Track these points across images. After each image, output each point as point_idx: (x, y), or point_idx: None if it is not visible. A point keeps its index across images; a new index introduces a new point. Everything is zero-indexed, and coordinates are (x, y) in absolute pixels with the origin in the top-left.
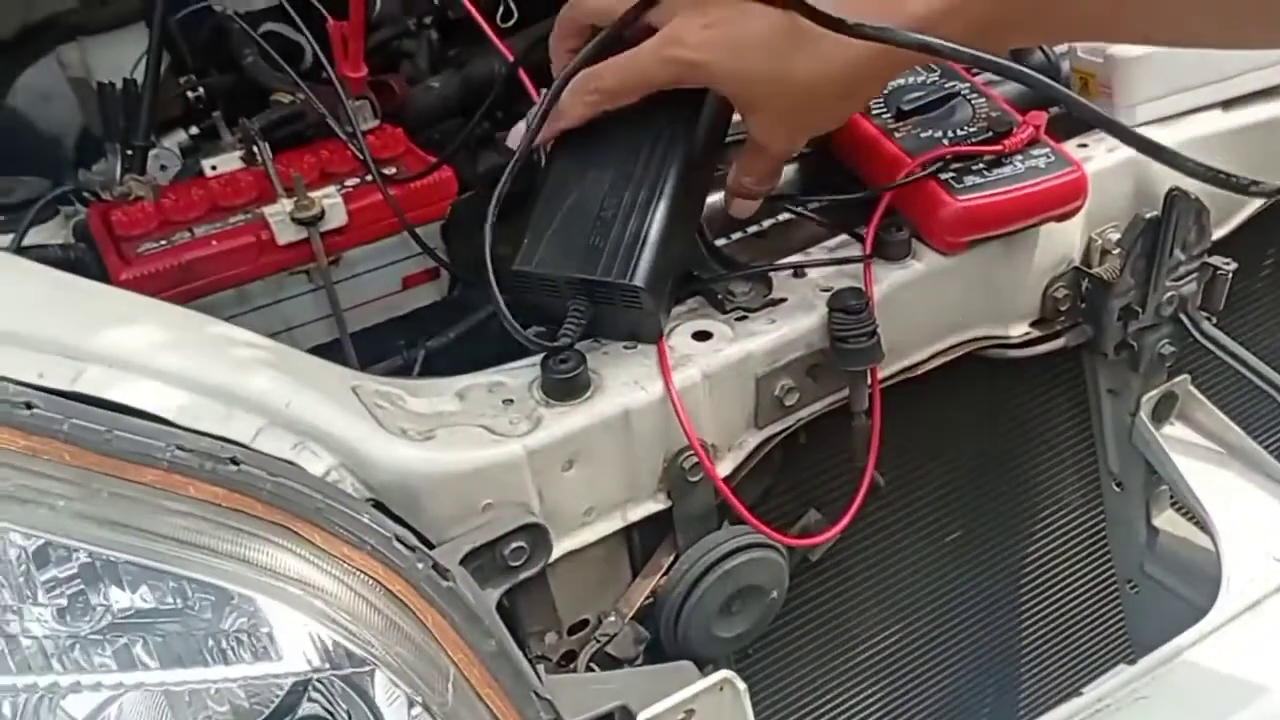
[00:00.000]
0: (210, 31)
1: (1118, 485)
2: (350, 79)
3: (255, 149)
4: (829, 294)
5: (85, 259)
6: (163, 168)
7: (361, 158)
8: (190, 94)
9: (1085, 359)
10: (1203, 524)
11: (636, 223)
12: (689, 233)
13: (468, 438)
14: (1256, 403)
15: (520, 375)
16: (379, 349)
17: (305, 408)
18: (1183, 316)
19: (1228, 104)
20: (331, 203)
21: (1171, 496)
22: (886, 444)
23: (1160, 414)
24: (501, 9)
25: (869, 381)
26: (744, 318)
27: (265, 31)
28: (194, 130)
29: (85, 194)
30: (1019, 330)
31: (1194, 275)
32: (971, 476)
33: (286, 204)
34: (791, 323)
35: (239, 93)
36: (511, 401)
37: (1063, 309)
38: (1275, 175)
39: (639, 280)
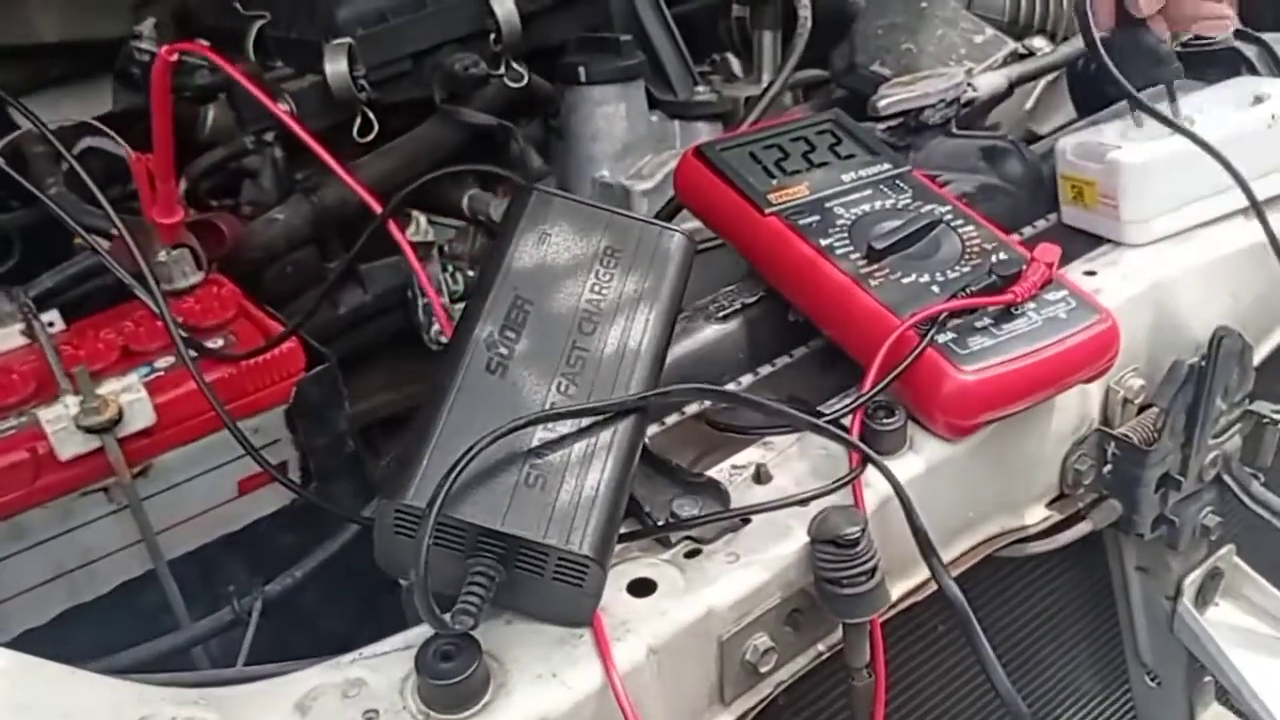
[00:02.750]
0: (8, 152)
1: (1152, 679)
2: (162, 225)
3: (32, 325)
4: (809, 511)
5: None
6: None
7: (171, 334)
8: None
9: (1107, 532)
10: None
11: (587, 473)
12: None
13: None
14: None
15: (391, 668)
16: (212, 575)
17: None
18: (1226, 478)
19: (1250, 211)
20: (132, 398)
21: (1219, 690)
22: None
23: (1205, 595)
24: (359, 121)
25: (870, 630)
26: (696, 552)
27: (85, 150)
28: None
29: None
30: (1036, 515)
31: (1237, 427)
32: (977, 685)
33: (72, 403)
34: (761, 558)
35: (40, 232)
36: (376, 715)
37: (1085, 481)
38: None
39: (589, 549)
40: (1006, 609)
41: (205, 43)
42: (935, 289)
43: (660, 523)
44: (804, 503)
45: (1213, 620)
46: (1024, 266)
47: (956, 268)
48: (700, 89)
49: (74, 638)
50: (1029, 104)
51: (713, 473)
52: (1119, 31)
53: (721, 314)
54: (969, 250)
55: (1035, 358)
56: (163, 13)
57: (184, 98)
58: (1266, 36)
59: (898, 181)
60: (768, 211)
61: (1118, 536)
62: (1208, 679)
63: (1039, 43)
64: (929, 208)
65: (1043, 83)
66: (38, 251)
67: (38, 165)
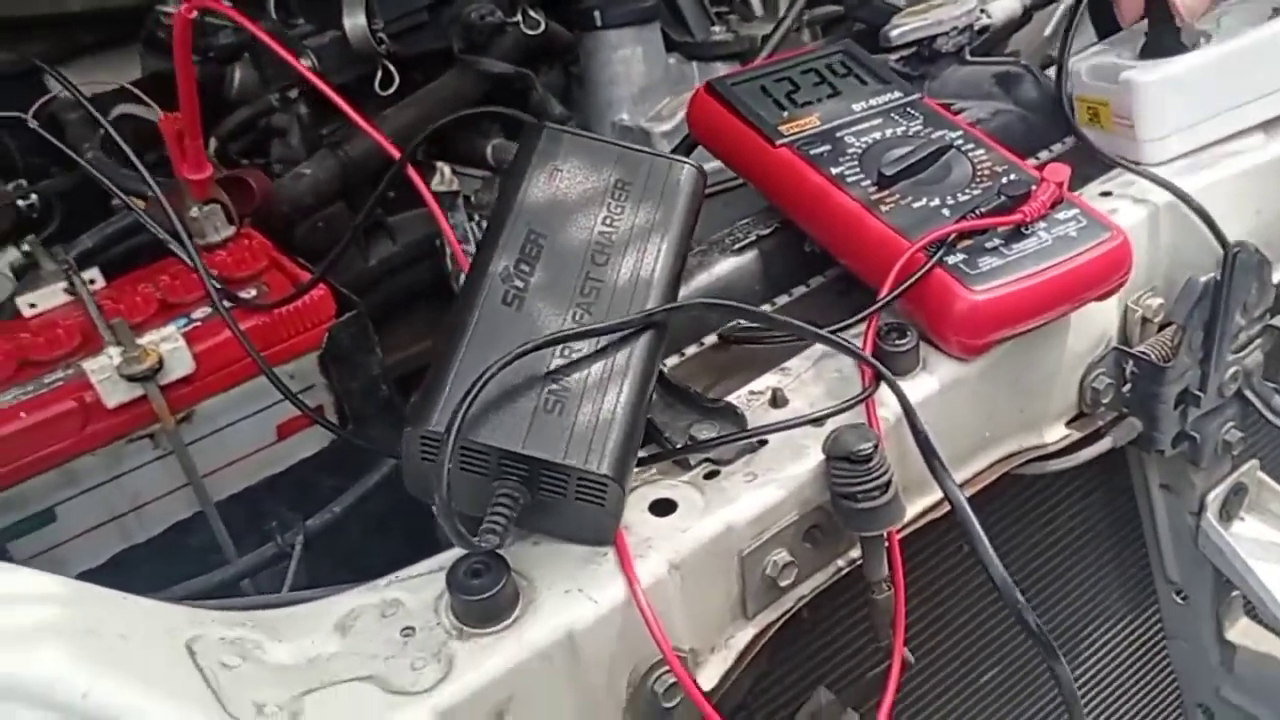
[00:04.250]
0: (46, 121)
1: (1180, 596)
2: (192, 182)
3: (74, 281)
4: (823, 432)
5: None
6: None
7: (205, 285)
8: (21, 202)
9: (1130, 452)
10: None
11: (604, 396)
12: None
13: (352, 705)
14: None
15: (425, 588)
16: (258, 515)
17: (110, 696)
18: (1248, 394)
19: (1269, 125)
20: (172, 347)
21: (1246, 605)
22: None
23: (1229, 510)
24: (380, 75)
25: (887, 544)
26: (715, 473)
27: (119, 116)
28: (26, 247)
29: None
30: (1055, 434)
31: (1257, 343)
32: (1001, 606)
33: (115, 354)
34: (778, 477)
35: (80, 197)
36: (413, 632)
37: (1104, 400)
38: None
39: (608, 469)
40: (1032, 529)
41: (226, 2)
42: (946, 212)
43: (679, 446)
44: (818, 422)
45: (1238, 535)
46: (1034, 186)
47: (967, 190)
48: (717, 29)
49: (129, 577)
50: (1048, 29)
51: (730, 398)
52: (1150, 30)
53: (737, 246)
54: (980, 173)
55: (1045, 275)
56: None
57: (209, 58)
58: None
59: (908, 109)
60: (779, 143)
61: (1140, 456)
62: (1235, 594)
63: None
64: (939, 133)
65: (1063, 6)
66: (76, 215)
67: (74, 131)
